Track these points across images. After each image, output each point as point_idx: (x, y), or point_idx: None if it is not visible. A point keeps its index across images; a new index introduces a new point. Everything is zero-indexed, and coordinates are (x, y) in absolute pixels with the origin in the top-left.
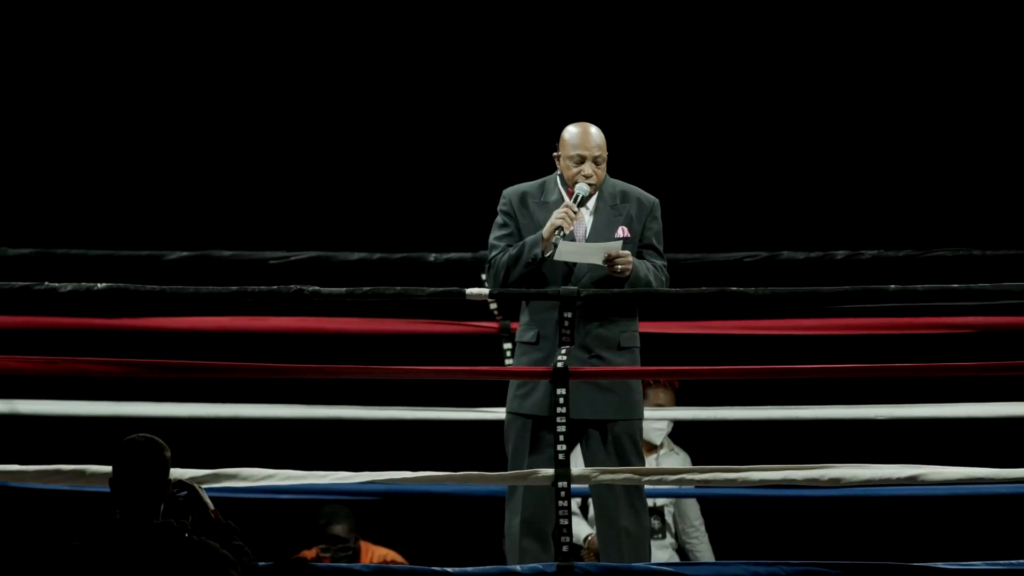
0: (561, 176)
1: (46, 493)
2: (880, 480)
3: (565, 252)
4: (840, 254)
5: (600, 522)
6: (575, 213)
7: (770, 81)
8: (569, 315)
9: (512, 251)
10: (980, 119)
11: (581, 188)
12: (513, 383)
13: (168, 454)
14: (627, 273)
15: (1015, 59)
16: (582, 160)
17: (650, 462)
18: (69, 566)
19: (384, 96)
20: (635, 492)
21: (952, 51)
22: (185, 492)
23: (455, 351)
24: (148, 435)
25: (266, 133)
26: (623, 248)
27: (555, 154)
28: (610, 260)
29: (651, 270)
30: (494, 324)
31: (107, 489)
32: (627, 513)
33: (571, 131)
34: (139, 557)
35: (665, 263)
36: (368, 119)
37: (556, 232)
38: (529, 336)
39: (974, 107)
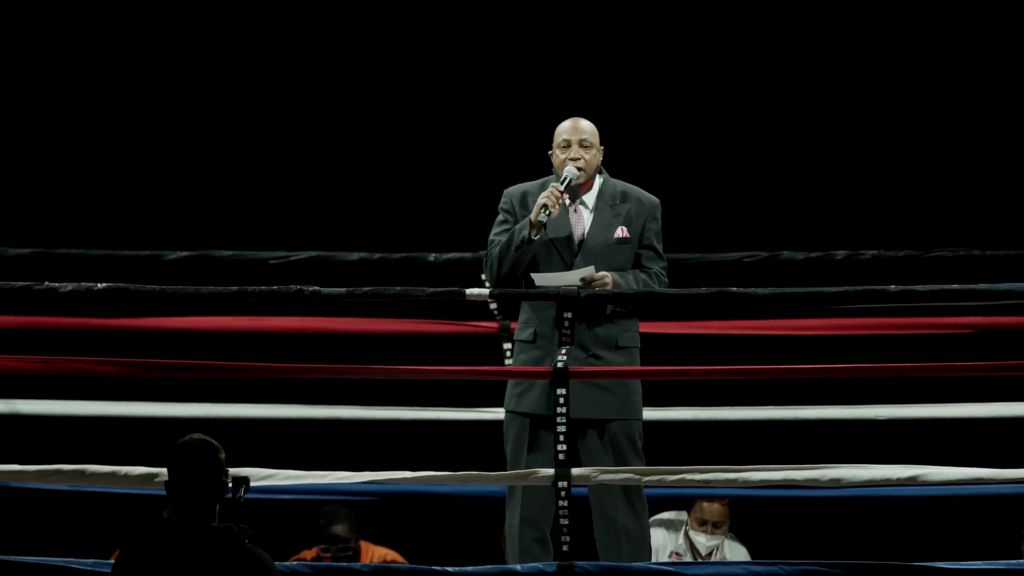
0: (556, 171)
1: (46, 493)
2: (880, 480)
3: (542, 282)
4: (840, 254)
5: (599, 522)
6: (561, 192)
7: (770, 81)
8: (569, 315)
9: (503, 240)
10: (980, 119)
11: (570, 171)
12: (511, 382)
13: (223, 456)
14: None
15: (1015, 59)
16: (568, 144)
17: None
18: (125, 568)
19: (384, 96)
20: (634, 492)
21: (952, 51)
22: (243, 488)
23: (455, 351)
24: (203, 436)
25: (266, 133)
26: (622, 249)
27: (549, 152)
28: (587, 285)
29: (640, 279)
30: (494, 324)
31: (108, 489)
32: (626, 513)
33: (561, 124)
34: (195, 560)
35: (664, 265)
36: (368, 119)
37: (542, 211)
38: (526, 334)
39: (974, 107)
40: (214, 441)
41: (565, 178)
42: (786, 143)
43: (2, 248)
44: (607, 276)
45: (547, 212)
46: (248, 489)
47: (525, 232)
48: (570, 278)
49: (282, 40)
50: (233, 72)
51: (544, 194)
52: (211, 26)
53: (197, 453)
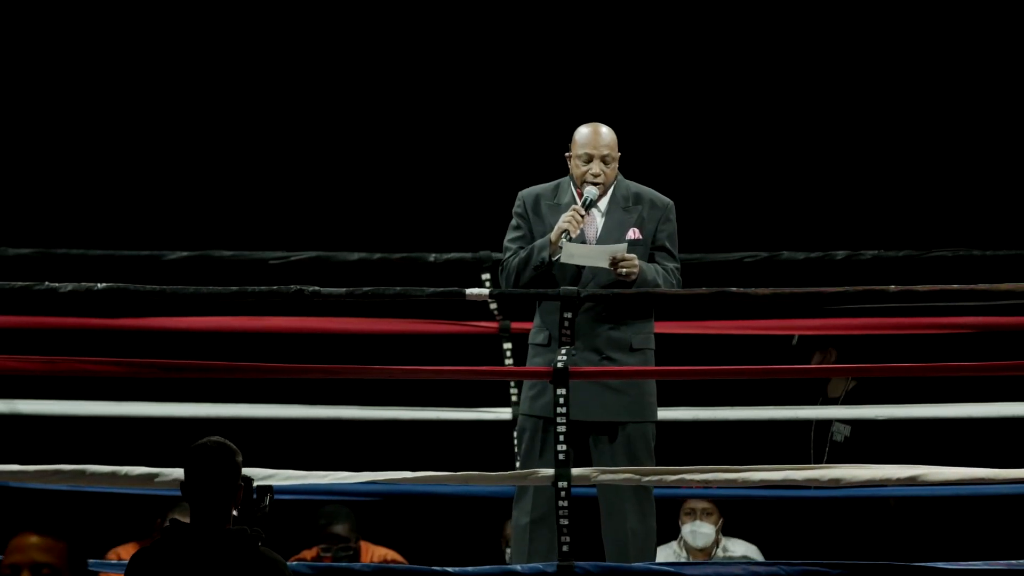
0: (572, 177)
1: (46, 493)
2: (880, 480)
3: (571, 254)
4: (840, 254)
5: (607, 523)
6: (582, 216)
7: (770, 81)
8: (569, 316)
9: (522, 254)
10: (980, 119)
11: (589, 191)
12: (526, 384)
13: (240, 459)
14: (633, 276)
15: (1015, 59)
16: (590, 159)
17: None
18: (139, 569)
19: (384, 96)
20: (643, 493)
21: (952, 51)
22: (268, 498)
23: (455, 351)
24: (220, 439)
25: (266, 133)
26: (634, 250)
27: (567, 154)
28: (615, 263)
29: (660, 273)
30: (494, 324)
31: (108, 489)
32: (635, 514)
33: (582, 131)
34: (209, 562)
35: (678, 266)
36: (368, 119)
37: (563, 235)
38: (541, 338)
39: (974, 107)
40: (231, 444)
41: (585, 199)
42: (786, 143)
43: (2, 248)
44: (635, 258)
45: (568, 237)
46: (273, 499)
47: (545, 254)
48: (600, 253)
49: (282, 40)
50: (233, 72)
51: (565, 218)
52: (211, 26)
53: (214, 455)
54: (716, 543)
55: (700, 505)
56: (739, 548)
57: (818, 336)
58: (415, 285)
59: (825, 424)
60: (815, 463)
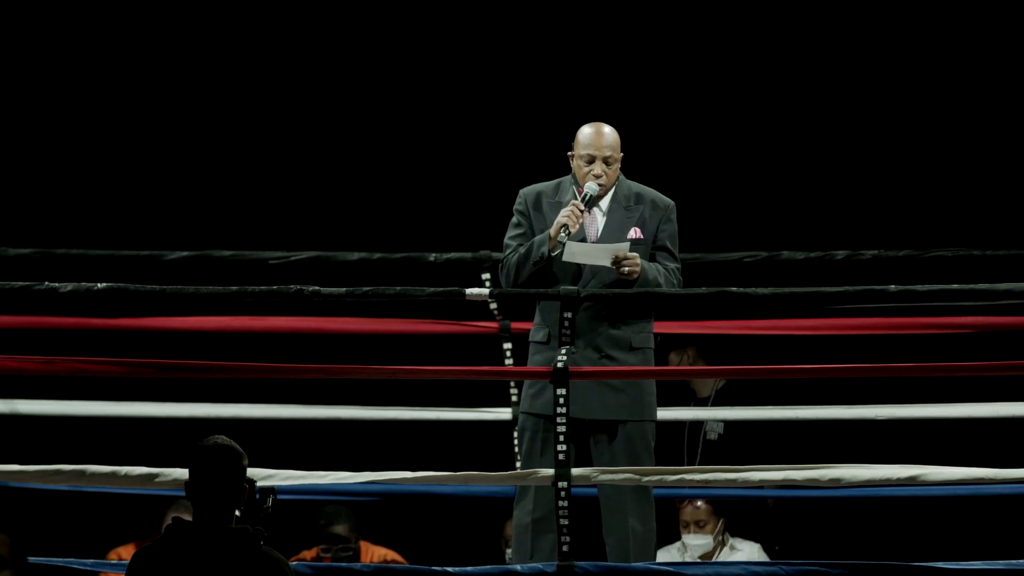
0: (575, 176)
1: (46, 493)
2: (880, 480)
3: (572, 252)
4: (840, 254)
5: (608, 522)
6: (581, 211)
7: (770, 81)
8: (569, 315)
9: (521, 250)
10: (980, 119)
11: (590, 187)
12: (526, 382)
13: (245, 461)
14: (635, 275)
15: (1015, 59)
16: (592, 160)
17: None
18: (141, 567)
19: (384, 96)
20: (643, 493)
21: (952, 51)
22: (271, 499)
23: (455, 351)
24: (226, 439)
25: (266, 133)
26: (635, 250)
27: (569, 153)
28: (617, 262)
29: (661, 272)
30: (494, 324)
31: (108, 489)
32: (635, 514)
33: (584, 131)
34: (211, 561)
35: (679, 266)
36: (368, 119)
37: (562, 230)
38: (540, 336)
39: (974, 107)
40: (237, 445)
41: (585, 195)
42: (786, 143)
43: (2, 248)
44: (637, 257)
45: (567, 232)
46: (276, 500)
47: (544, 249)
48: (602, 252)
49: (282, 40)
50: (233, 72)
51: (564, 212)
52: (211, 26)
53: (219, 456)
54: (722, 543)
55: (693, 517)
56: (744, 548)
57: (676, 336)
58: (415, 285)
59: (697, 423)
60: (688, 463)
